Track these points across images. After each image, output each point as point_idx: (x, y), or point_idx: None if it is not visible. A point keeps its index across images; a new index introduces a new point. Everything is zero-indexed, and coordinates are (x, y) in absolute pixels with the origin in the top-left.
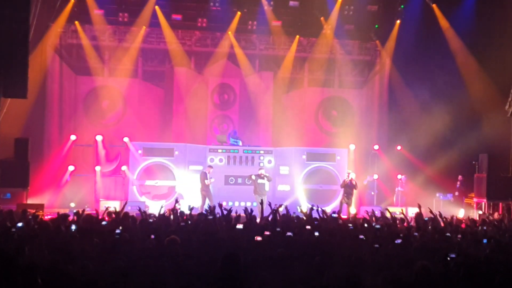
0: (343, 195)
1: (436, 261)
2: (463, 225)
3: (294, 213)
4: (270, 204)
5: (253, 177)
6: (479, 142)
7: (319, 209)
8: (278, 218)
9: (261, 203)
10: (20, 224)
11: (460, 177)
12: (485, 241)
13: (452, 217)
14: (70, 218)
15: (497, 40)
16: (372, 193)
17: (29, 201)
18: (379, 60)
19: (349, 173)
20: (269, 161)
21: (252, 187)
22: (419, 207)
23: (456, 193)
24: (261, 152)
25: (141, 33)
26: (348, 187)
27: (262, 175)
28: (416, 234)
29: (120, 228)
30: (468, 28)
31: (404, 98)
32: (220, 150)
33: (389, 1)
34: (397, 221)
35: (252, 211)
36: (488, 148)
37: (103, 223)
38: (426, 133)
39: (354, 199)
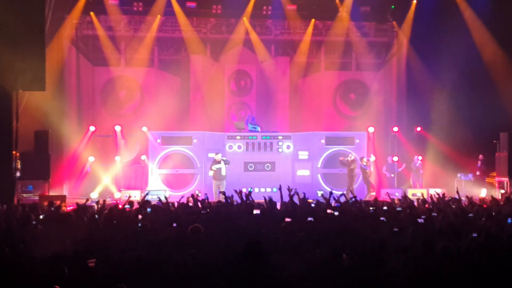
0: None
1: (458, 242)
2: (485, 206)
3: (314, 200)
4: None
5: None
6: (500, 120)
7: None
8: (298, 203)
9: (280, 188)
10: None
11: (481, 156)
12: (509, 220)
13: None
14: (92, 208)
15: None
16: (392, 175)
17: (51, 193)
18: (396, 41)
19: (350, 157)
20: (288, 147)
21: (271, 173)
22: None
23: (478, 173)
24: (280, 137)
25: (156, 22)
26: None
27: (218, 160)
28: (436, 214)
29: (140, 217)
30: (486, 5)
31: (423, 78)
32: (238, 137)
33: None
34: (418, 202)
35: (271, 198)
36: (508, 126)
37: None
38: (446, 113)
39: (372, 181)
